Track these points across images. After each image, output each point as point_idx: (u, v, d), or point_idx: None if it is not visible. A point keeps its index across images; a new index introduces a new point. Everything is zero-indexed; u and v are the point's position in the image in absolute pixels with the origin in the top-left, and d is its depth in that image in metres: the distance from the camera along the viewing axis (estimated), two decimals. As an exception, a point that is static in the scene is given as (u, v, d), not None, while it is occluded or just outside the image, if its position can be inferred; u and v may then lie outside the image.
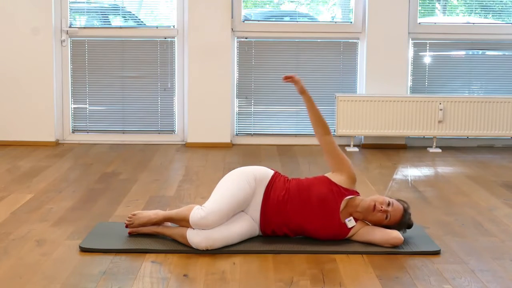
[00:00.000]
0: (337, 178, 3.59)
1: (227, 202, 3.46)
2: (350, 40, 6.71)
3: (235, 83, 6.73)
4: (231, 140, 6.66)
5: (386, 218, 3.51)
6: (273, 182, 3.60)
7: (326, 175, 3.65)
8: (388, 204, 3.51)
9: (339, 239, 3.55)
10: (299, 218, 3.53)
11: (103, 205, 4.35)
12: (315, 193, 3.53)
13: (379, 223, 3.54)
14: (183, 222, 3.47)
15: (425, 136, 6.63)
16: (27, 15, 6.43)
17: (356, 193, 3.61)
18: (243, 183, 3.54)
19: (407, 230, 3.61)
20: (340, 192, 3.56)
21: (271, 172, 3.65)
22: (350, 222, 3.53)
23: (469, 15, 6.93)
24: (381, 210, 3.49)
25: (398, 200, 3.60)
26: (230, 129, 6.64)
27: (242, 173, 3.60)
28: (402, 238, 3.49)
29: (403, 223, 3.55)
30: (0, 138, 6.52)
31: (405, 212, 3.54)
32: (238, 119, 6.78)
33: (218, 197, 3.50)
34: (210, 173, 5.37)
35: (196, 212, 3.43)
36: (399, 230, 3.54)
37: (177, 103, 6.73)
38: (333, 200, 3.52)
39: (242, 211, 3.56)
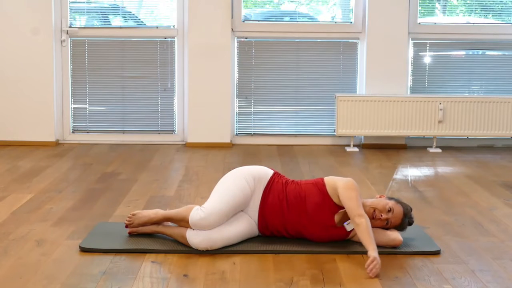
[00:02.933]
0: (335, 195, 3.48)
1: (227, 202, 3.46)
2: (350, 40, 6.71)
3: (235, 83, 6.73)
4: (231, 140, 6.66)
5: (386, 224, 3.50)
6: (272, 183, 3.58)
7: (325, 180, 3.56)
8: (388, 211, 3.48)
9: (339, 240, 3.55)
10: (297, 225, 3.52)
11: (103, 205, 4.35)
12: (310, 203, 3.49)
13: (379, 227, 3.54)
14: (183, 222, 3.47)
15: (425, 136, 6.63)
16: (27, 15, 6.43)
17: None
18: (242, 183, 3.53)
19: (408, 227, 3.59)
20: (332, 206, 3.49)
21: (270, 172, 3.64)
22: (349, 226, 3.50)
23: (469, 15, 6.93)
24: (380, 218, 3.47)
25: (399, 202, 3.56)
26: (230, 129, 6.64)
27: (241, 173, 3.59)
28: (402, 239, 3.49)
29: (402, 227, 3.55)
30: (0, 138, 6.52)
31: (405, 217, 3.53)
32: (238, 119, 6.78)
33: (218, 197, 3.49)
34: (210, 173, 5.37)
35: (196, 213, 3.42)
36: (398, 230, 3.54)
37: (177, 103, 6.73)
38: (327, 211, 3.49)
39: (242, 211, 3.56)
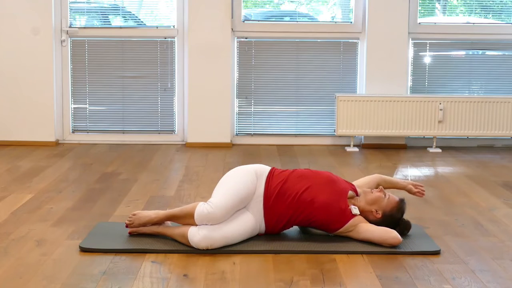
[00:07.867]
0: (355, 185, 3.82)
1: (232, 197, 3.50)
2: (350, 40, 6.71)
3: (235, 83, 6.73)
4: (231, 140, 6.66)
5: (385, 196, 3.62)
6: (273, 173, 3.67)
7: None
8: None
9: (338, 225, 3.55)
10: (306, 193, 3.54)
11: (103, 205, 4.36)
12: (324, 174, 3.69)
13: (378, 203, 3.59)
14: (187, 218, 3.47)
15: (425, 136, 6.63)
16: (27, 15, 6.44)
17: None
18: (245, 179, 3.58)
19: (406, 232, 3.64)
20: (349, 183, 3.73)
21: (269, 167, 3.74)
22: (355, 209, 3.59)
23: (469, 15, 6.93)
24: (378, 189, 3.65)
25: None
26: (230, 129, 6.65)
27: (244, 170, 3.66)
28: (401, 238, 3.50)
29: (400, 211, 3.62)
30: (0, 138, 6.52)
31: (401, 201, 3.63)
32: (238, 119, 6.78)
33: (224, 192, 3.53)
34: (210, 173, 5.37)
35: (203, 207, 3.44)
36: (396, 228, 3.57)
37: (177, 103, 6.73)
38: (341, 184, 3.66)
39: (244, 207, 3.57)
